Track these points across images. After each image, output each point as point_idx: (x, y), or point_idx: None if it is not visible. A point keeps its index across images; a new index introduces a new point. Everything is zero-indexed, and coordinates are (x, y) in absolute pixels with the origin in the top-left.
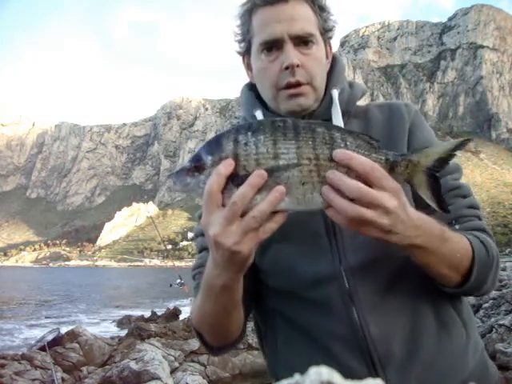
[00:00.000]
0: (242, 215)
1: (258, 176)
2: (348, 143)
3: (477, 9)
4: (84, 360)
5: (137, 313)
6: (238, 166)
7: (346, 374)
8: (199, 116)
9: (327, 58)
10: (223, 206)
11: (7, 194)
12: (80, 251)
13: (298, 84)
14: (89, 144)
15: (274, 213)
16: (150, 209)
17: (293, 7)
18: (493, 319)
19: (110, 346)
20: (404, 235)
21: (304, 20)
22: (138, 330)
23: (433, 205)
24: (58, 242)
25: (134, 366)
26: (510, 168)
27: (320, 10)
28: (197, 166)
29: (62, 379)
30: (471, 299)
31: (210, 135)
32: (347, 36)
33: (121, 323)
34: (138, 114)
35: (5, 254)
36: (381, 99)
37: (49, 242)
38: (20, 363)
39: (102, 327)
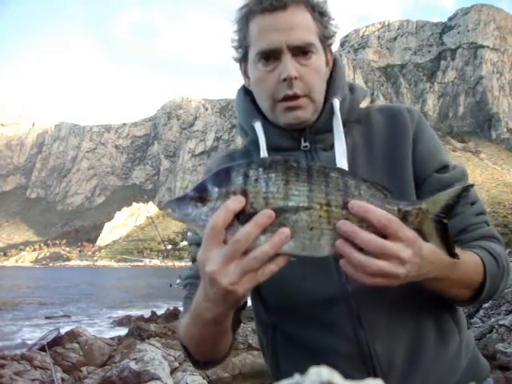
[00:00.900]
0: (243, 254)
1: (265, 215)
2: (362, 192)
3: (477, 8)
4: (84, 360)
5: (137, 313)
6: (245, 203)
7: None
8: (199, 116)
9: (327, 65)
10: (224, 242)
11: (7, 193)
12: (80, 251)
13: (295, 97)
14: (89, 144)
15: (276, 255)
16: (150, 209)
17: (292, 15)
18: (493, 319)
19: (110, 346)
20: (418, 275)
21: (303, 29)
22: (137, 330)
23: (443, 251)
24: (57, 242)
25: (133, 366)
26: (510, 168)
27: (320, 17)
28: (201, 196)
29: (62, 379)
30: None
31: (210, 135)
32: (347, 36)
33: (121, 323)
34: (138, 114)
35: (5, 254)
36: (381, 99)
37: (49, 242)
38: (20, 363)
39: (101, 327)
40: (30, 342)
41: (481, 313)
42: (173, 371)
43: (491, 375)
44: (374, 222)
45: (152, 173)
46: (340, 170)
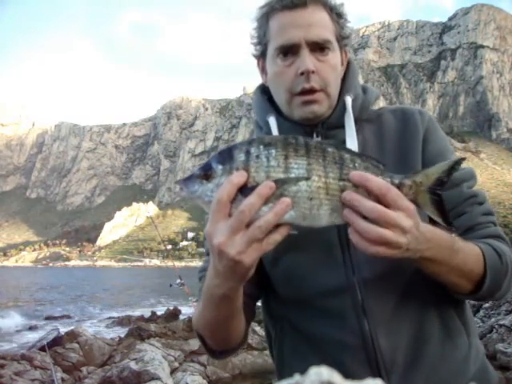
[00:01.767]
0: (248, 226)
1: (266, 186)
2: (357, 164)
3: (477, 8)
4: (84, 360)
5: (137, 313)
6: (248, 178)
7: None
8: (199, 116)
9: (342, 64)
10: (229, 215)
11: (7, 193)
12: (80, 251)
13: (312, 90)
14: (89, 144)
15: (279, 225)
16: (150, 209)
17: (311, 13)
18: (493, 319)
19: (110, 346)
20: (416, 250)
21: (321, 26)
22: (137, 330)
23: (439, 220)
24: (57, 242)
25: (133, 366)
26: (510, 168)
27: (337, 17)
28: (206, 173)
29: (62, 379)
30: None
31: (210, 135)
32: None
33: (121, 323)
34: (138, 114)
35: (4, 254)
36: (381, 99)
37: (48, 242)
38: (20, 363)
39: (101, 327)
40: (30, 342)
41: (481, 313)
42: (173, 371)
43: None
44: (374, 191)
45: (152, 173)
46: (336, 145)
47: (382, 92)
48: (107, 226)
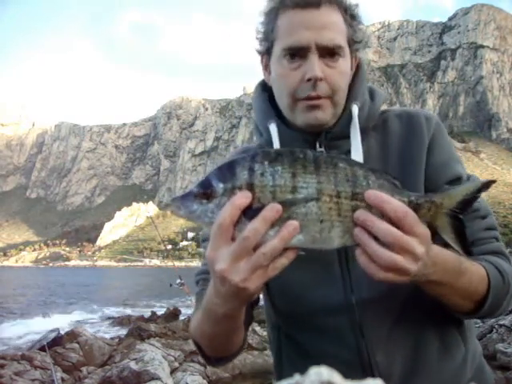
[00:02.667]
0: (252, 250)
1: (272, 210)
2: (370, 182)
3: (477, 8)
4: (84, 360)
5: (137, 313)
6: (252, 198)
7: None
8: (199, 116)
9: (351, 69)
10: (232, 239)
11: (7, 194)
12: (80, 251)
13: (317, 97)
14: (89, 144)
15: (286, 249)
16: (150, 209)
17: (324, 14)
18: (493, 319)
19: (110, 346)
20: (422, 275)
21: (334, 30)
22: (137, 330)
23: (457, 249)
24: (57, 242)
25: (133, 366)
26: (510, 168)
27: (351, 20)
28: (206, 192)
29: (62, 379)
30: None
31: (210, 135)
32: None
33: (121, 323)
34: (138, 114)
35: (4, 254)
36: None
37: (48, 242)
38: (20, 363)
39: (101, 327)
40: (30, 342)
41: None
42: (173, 371)
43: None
44: (389, 214)
45: (152, 173)
46: (347, 160)
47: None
48: (107, 226)
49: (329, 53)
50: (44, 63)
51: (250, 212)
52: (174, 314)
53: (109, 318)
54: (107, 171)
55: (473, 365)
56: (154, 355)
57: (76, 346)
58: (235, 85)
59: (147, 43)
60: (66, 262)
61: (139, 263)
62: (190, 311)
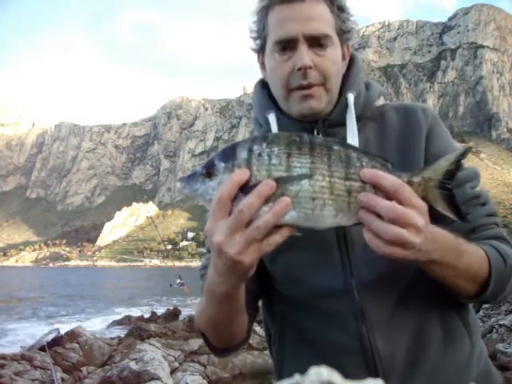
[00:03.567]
0: (247, 225)
1: (267, 185)
2: (364, 163)
3: (477, 8)
4: (84, 360)
5: (137, 313)
6: (250, 176)
7: None
8: (199, 116)
9: (344, 59)
10: (230, 214)
11: (7, 193)
12: (80, 251)
13: (309, 86)
14: (89, 144)
15: (281, 226)
16: (150, 209)
17: (310, 6)
18: (493, 319)
19: (110, 346)
20: (425, 251)
21: (320, 20)
22: (137, 330)
23: (451, 216)
24: (57, 242)
25: (133, 366)
26: (510, 168)
27: (338, 11)
28: (208, 171)
29: (62, 379)
30: None
31: (210, 135)
32: None
33: (121, 323)
34: (138, 114)
35: (5, 254)
36: (381, 99)
37: (49, 242)
38: (20, 363)
39: (101, 327)
40: (30, 342)
41: (481, 313)
42: (173, 371)
43: None
44: (387, 188)
45: (152, 173)
46: (342, 143)
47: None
48: (107, 225)
49: (317, 42)
50: (44, 63)
51: (246, 188)
52: (174, 314)
53: (109, 318)
54: (107, 171)
55: (478, 363)
56: (153, 355)
57: (76, 345)
58: (235, 85)
59: (147, 43)
60: (66, 262)
61: (139, 263)
62: (190, 311)
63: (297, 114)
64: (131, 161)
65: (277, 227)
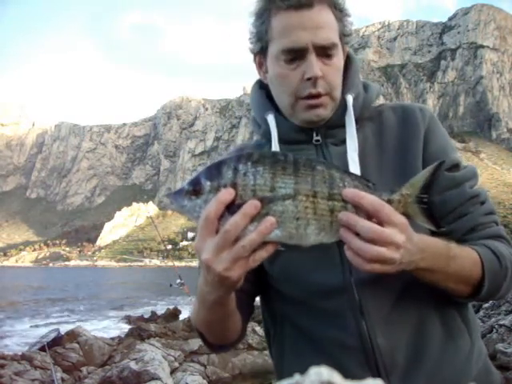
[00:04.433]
0: (234, 243)
1: (251, 205)
2: (346, 183)
3: (477, 8)
4: (84, 360)
5: (137, 313)
6: (235, 195)
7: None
8: (199, 116)
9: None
10: (216, 232)
11: (7, 193)
12: (80, 251)
13: (319, 95)
14: (89, 144)
15: (266, 243)
16: (150, 209)
17: (318, 14)
18: (493, 319)
19: (110, 346)
20: (409, 262)
21: (328, 28)
22: (137, 330)
23: (430, 227)
24: (57, 242)
25: (133, 366)
26: (510, 168)
27: (341, 15)
28: (195, 189)
29: (62, 379)
30: None
31: (210, 135)
32: None
33: (121, 323)
34: (138, 114)
35: (5, 254)
36: (381, 99)
37: (49, 242)
38: (20, 363)
39: (101, 327)
40: (30, 342)
41: (481, 313)
42: (173, 371)
43: None
44: (367, 208)
45: (152, 173)
46: (326, 164)
47: (382, 92)
48: (107, 226)
49: (325, 51)
50: (44, 63)
51: (232, 208)
52: (173, 314)
53: (109, 318)
54: (107, 171)
55: (478, 362)
56: (154, 355)
57: (76, 345)
58: (235, 85)
59: (147, 43)
60: (66, 262)
61: (139, 263)
62: (190, 311)
63: (302, 121)
64: (131, 161)
65: (262, 243)
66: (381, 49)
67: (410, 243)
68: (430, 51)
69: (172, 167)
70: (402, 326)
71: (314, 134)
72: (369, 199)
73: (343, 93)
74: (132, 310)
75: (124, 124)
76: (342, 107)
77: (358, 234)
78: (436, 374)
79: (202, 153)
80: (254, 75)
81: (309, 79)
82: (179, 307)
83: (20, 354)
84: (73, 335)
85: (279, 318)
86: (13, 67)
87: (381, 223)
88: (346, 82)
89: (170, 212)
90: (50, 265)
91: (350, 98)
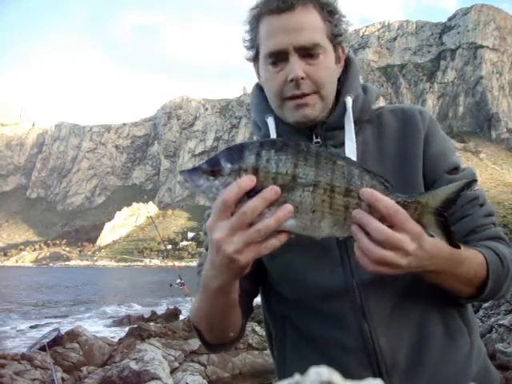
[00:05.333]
0: (248, 227)
1: (272, 191)
2: (364, 182)
3: (477, 9)
4: (84, 360)
5: (137, 313)
6: (256, 182)
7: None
8: (199, 116)
9: (339, 62)
10: (232, 215)
11: (7, 193)
12: (80, 251)
13: (303, 95)
14: (89, 144)
15: (279, 231)
16: (150, 209)
17: (299, 16)
18: (493, 319)
19: (110, 346)
20: (417, 267)
21: (310, 29)
22: (137, 330)
23: (444, 240)
24: (58, 242)
25: (134, 365)
26: (510, 168)
27: (330, 15)
28: (214, 170)
29: (62, 379)
30: None
31: (210, 135)
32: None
33: (121, 323)
34: (138, 114)
35: (5, 254)
36: (381, 99)
37: (49, 242)
38: (20, 363)
39: (102, 327)
40: (30, 342)
41: (480, 313)
42: (173, 371)
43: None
44: (381, 211)
45: (152, 173)
46: (346, 159)
47: (382, 92)
48: (107, 225)
49: (308, 52)
50: (44, 63)
51: (251, 193)
52: (173, 314)
53: (109, 318)
54: (107, 171)
55: (478, 361)
56: (154, 355)
57: (76, 345)
58: (235, 85)
59: (148, 43)
60: (67, 262)
61: (139, 263)
62: (189, 310)
63: (292, 122)
64: (131, 161)
65: (275, 232)
66: (381, 49)
67: (420, 251)
68: (429, 51)
69: (172, 167)
70: (404, 326)
71: (314, 136)
72: (384, 202)
73: (342, 95)
74: (132, 310)
75: (124, 124)
76: (341, 109)
77: (369, 234)
78: (436, 374)
79: (202, 153)
80: (254, 75)
81: (291, 80)
82: (179, 307)
83: (20, 353)
84: (73, 335)
85: (280, 319)
86: (13, 67)
87: (393, 227)
88: (345, 84)
89: (170, 212)
90: (50, 265)
91: (349, 100)
